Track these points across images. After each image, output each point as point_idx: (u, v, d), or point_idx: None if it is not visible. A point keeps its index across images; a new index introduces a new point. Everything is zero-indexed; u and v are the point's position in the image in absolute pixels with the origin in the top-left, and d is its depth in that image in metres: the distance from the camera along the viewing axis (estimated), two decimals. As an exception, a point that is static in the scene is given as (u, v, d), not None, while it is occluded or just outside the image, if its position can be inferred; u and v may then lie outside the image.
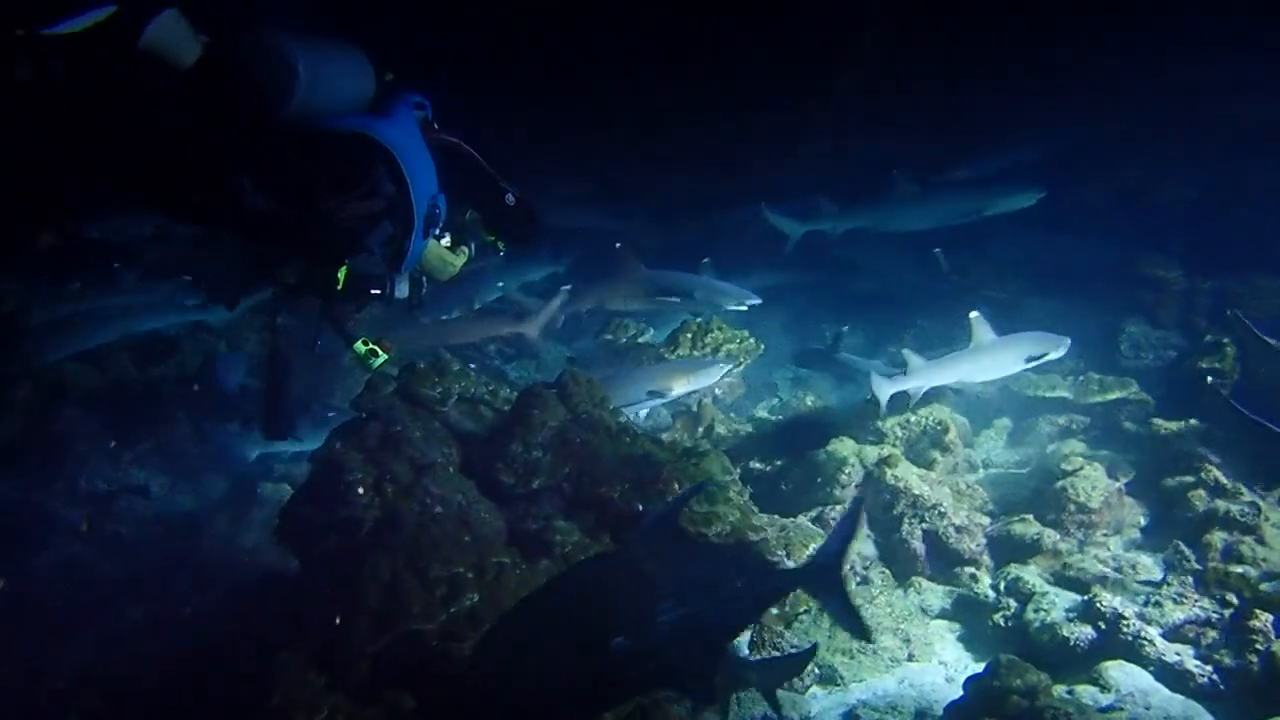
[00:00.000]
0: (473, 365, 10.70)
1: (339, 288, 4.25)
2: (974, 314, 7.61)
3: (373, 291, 4.38)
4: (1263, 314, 8.54)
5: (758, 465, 7.44)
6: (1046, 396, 8.30)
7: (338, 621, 4.61)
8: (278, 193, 3.78)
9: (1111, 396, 8.08)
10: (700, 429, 8.01)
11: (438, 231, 4.56)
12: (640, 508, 5.38)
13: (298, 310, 4.85)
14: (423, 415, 5.78)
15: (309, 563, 5.14)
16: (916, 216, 10.70)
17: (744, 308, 8.68)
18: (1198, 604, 5.35)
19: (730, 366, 7.96)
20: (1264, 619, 4.95)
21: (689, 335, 8.79)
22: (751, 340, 8.84)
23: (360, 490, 5.08)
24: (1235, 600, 5.28)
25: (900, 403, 7.37)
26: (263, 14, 3.81)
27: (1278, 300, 9.16)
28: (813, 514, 6.71)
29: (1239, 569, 5.58)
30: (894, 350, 10.28)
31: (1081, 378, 8.33)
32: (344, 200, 3.95)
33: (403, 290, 4.50)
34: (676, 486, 5.44)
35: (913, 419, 7.69)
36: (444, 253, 4.64)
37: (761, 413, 8.86)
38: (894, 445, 7.39)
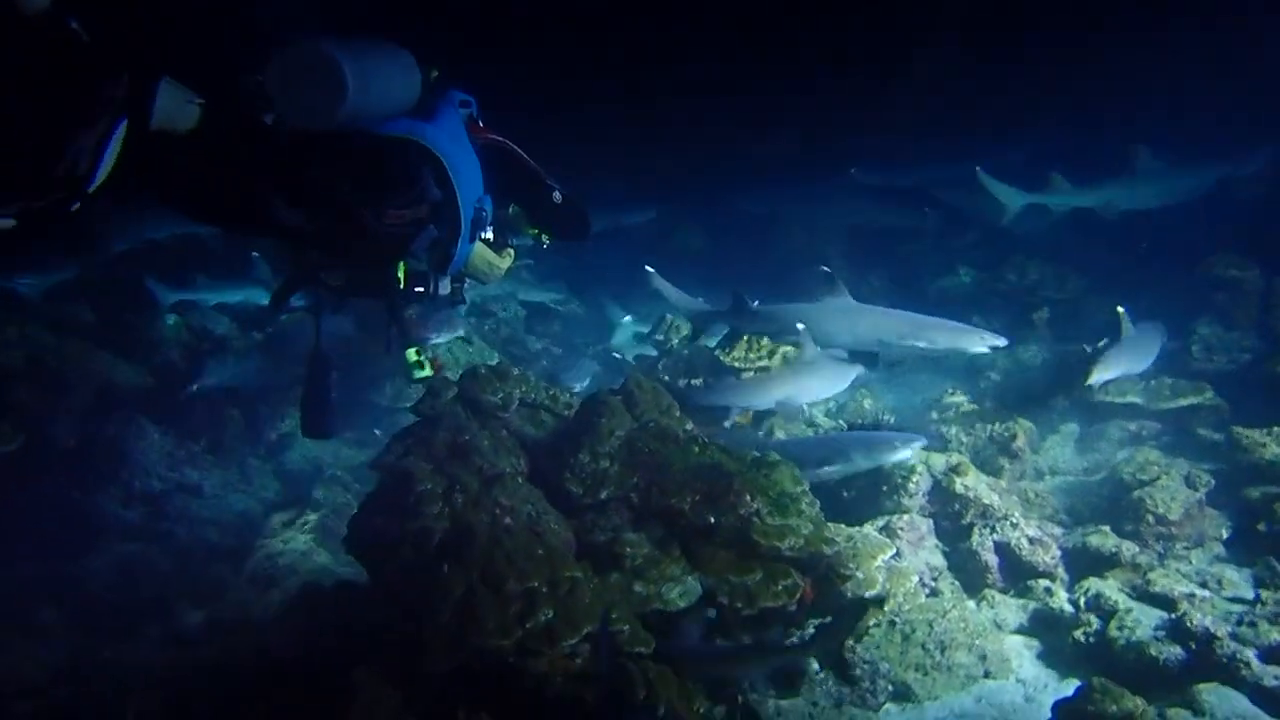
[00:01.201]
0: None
1: (401, 287, 4.18)
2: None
3: (418, 289, 4.30)
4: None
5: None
6: (1115, 402, 8.06)
7: (413, 636, 4.53)
8: (323, 202, 3.64)
9: (1185, 402, 7.84)
10: (759, 431, 7.86)
11: (485, 233, 4.51)
12: (712, 520, 5.25)
13: (342, 311, 4.82)
14: (490, 423, 5.67)
15: (380, 575, 5.05)
16: (1156, 193, 10.34)
17: (990, 350, 7.11)
18: (1295, 624, 5.15)
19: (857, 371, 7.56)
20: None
21: (745, 338, 8.63)
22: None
23: (431, 502, 4.98)
24: (1335, 621, 5.08)
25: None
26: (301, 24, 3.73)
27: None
28: (880, 523, 6.55)
29: (1334, 586, 5.37)
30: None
31: (1152, 382, 8.08)
32: (389, 207, 3.85)
33: (445, 287, 4.43)
34: (749, 499, 5.31)
35: (978, 425, 7.52)
36: (490, 255, 4.56)
37: (819, 415, 8.70)
38: (961, 452, 7.22)
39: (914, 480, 6.69)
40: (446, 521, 4.97)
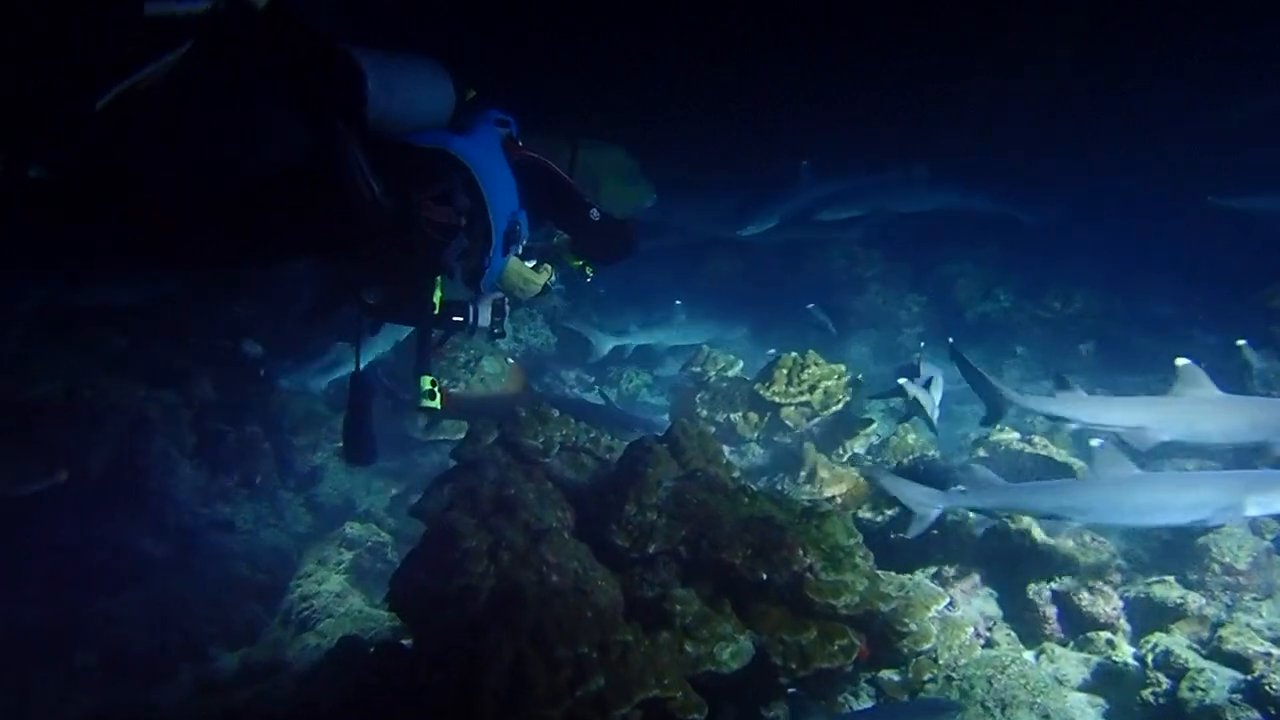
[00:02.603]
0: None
1: (436, 312, 4.18)
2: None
3: (456, 319, 4.31)
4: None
5: (866, 514, 7.05)
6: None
7: (456, 701, 4.37)
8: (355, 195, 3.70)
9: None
10: (802, 474, 7.65)
11: (519, 251, 4.52)
12: (764, 576, 5.07)
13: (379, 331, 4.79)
14: (534, 474, 5.52)
15: (422, 633, 4.91)
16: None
17: None
18: (1379, 690, 4.90)
19: None
20: None
21: (784, 371, 8.45)
22: (849, 376, 8.48)
23: (476, 559, 4.83)
24: None
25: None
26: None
27: None
28: (931, 570, 6.33)
29: None
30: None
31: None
32: (420, 202, 3.87)
33: (485, 318, 4.45)
34: (801, 553, 5.12)
35: (1030, 465, 7.29)
36: (525, 270, 4.59)
37: (861, 452, 8.48)
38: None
39: (966, 525, 6.46)
40: (493, 580, 4.83)
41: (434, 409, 4.42)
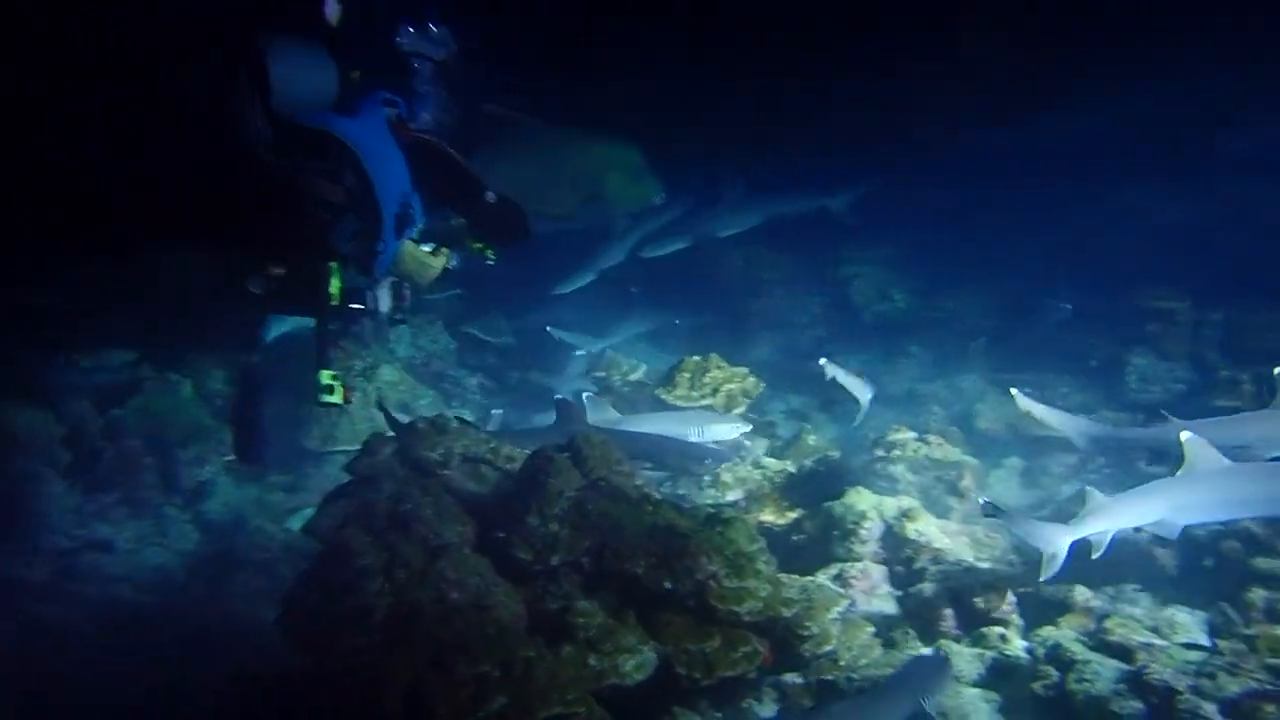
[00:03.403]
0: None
1: (334, 302, 4.10)
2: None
3: (355, 305, 4.26)
4: (1275, 346, 8.50)
5: (769, 518, 7.12)
6: (1057, 435, 8.06)
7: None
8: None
9: (1125, 435, 7.87)
10: (706, 479, 7.65)
11: (415, 236, 4.46)
12: (668, 585, 5.04)
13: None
14: (433, 487, 5.38)
15: (318, 658, 4.72)
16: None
17: None
18: (1253, 675, 5.11)
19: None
20: (1332, 697, 4.74)
21: (686, 374, 8.46)
22: (752, 379, 8.54)
23: (371, 578, 4.68)
24: (1292, 670, 5.05)
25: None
26: None
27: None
28: (832, 571, 6.40)
29: (1285, 631, 5.38)
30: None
31: (1094, 415, 8.12)
32: (307, 177, 3.87)
33: (385, 303, 4.40)
34: (705, 560, 5.11)
35: (926, 463, 7.45)
36: (421, 254, 4.53)
37: (766, 457, 8.54)
38: (909, 493, 7.13)
39: (866, 526, 6.56)
40: (389, 599, 4.69)
41: (335, 404, 4.29)
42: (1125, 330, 9.63)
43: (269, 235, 3.96)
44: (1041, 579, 5.66)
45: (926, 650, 6.03)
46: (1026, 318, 10.66)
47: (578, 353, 11.07)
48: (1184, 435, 5.93)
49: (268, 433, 4.51)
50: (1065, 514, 6.96)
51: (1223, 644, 5.32)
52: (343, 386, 4.31)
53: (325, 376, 4.22)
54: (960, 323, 10.80)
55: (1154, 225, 10.56)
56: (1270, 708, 4.94)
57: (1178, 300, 9.50)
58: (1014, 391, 6.94)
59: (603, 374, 9.12)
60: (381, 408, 7.55)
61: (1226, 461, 5.78)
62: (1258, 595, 5.86)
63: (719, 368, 8.46)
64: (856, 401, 7.36)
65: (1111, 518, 5.71)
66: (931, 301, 11.19)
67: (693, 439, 7.42)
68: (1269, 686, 5.01)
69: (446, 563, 4.81)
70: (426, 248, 4.64)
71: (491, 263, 5.07)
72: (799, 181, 11.77)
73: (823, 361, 7.38)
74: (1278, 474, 5.71)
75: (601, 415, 7.69)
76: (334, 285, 4.08)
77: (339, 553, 4.85)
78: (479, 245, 4.93)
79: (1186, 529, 5.71)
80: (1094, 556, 5.67)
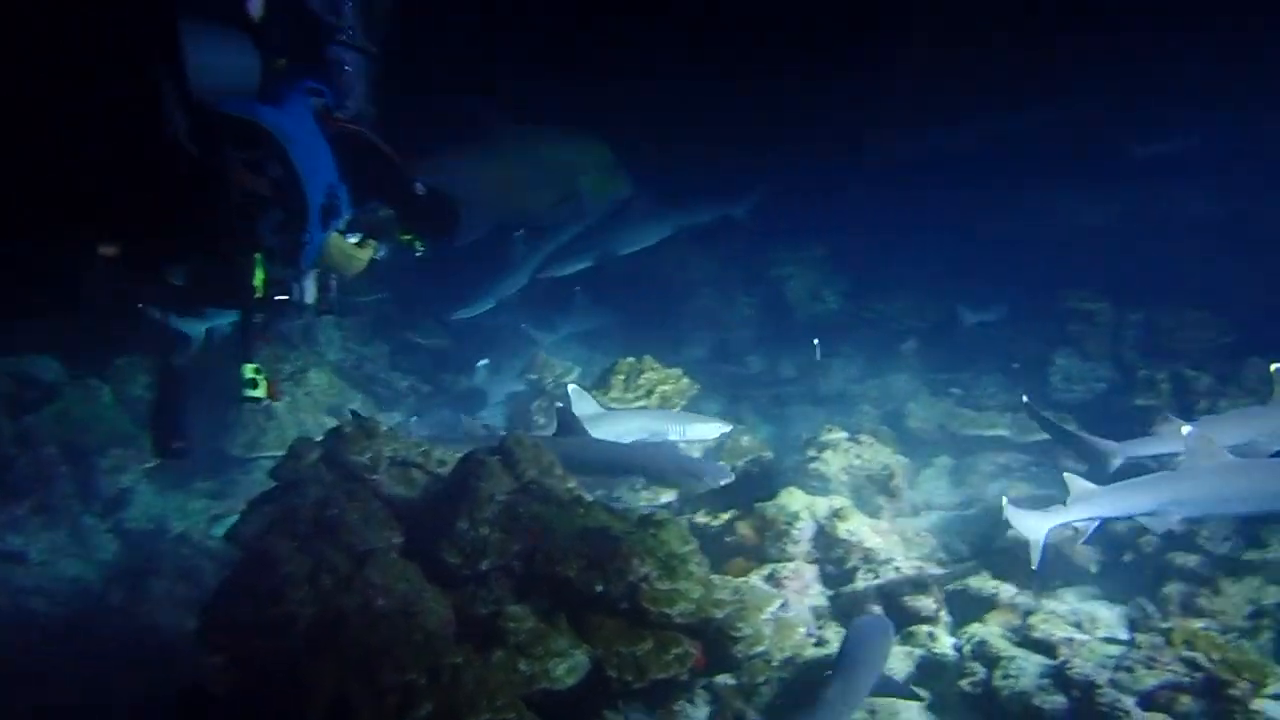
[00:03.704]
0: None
1: (258, 294, 3.93)
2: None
3: (280, 297, 4.09)
4: (1191, 346, 8.78)
5: (703, 519, 7.12)
6: (986, 434, 8.24)
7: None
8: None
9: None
10: (639, 481, 7.63)
11: (342, 227, 4.36)
12: (600, 588, 5.01)
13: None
14: (360, 492, 5.28)
15: (239, 669, 4.60)
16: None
17: None
18: (1168, 667, 5.25)
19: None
20: (1242, 686, 4.88)
21: (621, 376, 8.44)
22: (685, 380, 8.55)
23: (295, 585, 4.57)
24: (1204, 661, 5.18)
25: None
26: None
27: (1203, 332, 9.39)
28: (765, 572, 6.44)
29: (1199, 624, 5.53)
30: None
31: (1019, 414, 8.28)
32: (230, 166, 3.69)
33: (311, 294, 4.29)
34: (637, 563, 5.09)
35: (857, 462, 7.52)
36: (347, 247, 4.43)
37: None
38: (841, 492, 7.20)
39: (799, 527, 6.60)
40: (313, 607, 4.59)
41: (259, 399, 4.16)
42: (1051, 331, 9.86)
43: (190, 228, 3.83)
44: (1033, 566, 5.81)
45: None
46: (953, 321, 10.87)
47: (479, 363, 10.96)
48: (1185, 430, 6.05)
49: (188, 426, 4.35)
50: (992, 513, 7.12)
51: (1141, 638, 5.45)
52: (267, 381, 4.13)
53: (249, 370, 4.06)
54: (891, 323, 10.95)
55: (1077, 228, 10.85)
56: (1185, 698, 5.09)
57: (1099, 302, 9.77)
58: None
59: (535, 376, 9.05)
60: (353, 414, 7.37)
61: (1228, 457, 5.88)
62: (1174, 590, 6.04)
63: (653, 369, 8.46)
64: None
65: (1096, 508, 5.87)
66: (862, 302, 11.34)
67: (674, 438, 7.49)
68: (1184, 678, 5.15)
69: (373, 569, 4.72)
70: (353, 239, 4.55)
71: (420, 254, 4.98)
72: (703, 191, 11.75)
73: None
74: (1275, 470, 5.85)
75: (585, 407, 7.68)
76: (258, 277, 3.95)
77: (262, 560, 4.74)
78: (408, 236, 4.84)
79: (1184, 521, 5.84)
80: (1079, 544, 5.97)
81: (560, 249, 11.40)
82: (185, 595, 7.19)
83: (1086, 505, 5.92)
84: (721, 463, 7.21)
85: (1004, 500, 6.08)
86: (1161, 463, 6.67)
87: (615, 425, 7.39)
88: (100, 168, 3.36)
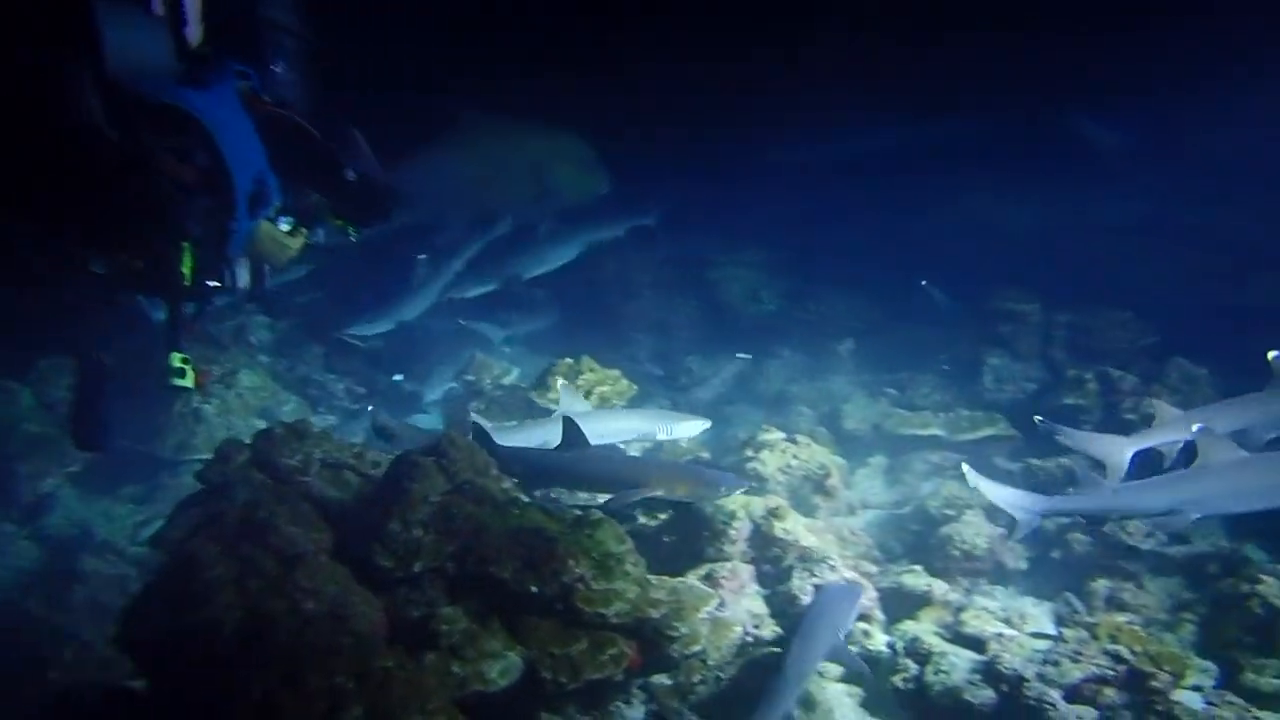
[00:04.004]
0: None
1: (186, 283, 3.87)
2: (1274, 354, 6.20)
3: (211, 284, 4.04)
4: (1116, 347, 9.00)
5: (640, 520, 7.11)
6: (920, 434, 8.35)
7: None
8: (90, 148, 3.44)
9: (982, 433, 8.22)
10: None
11: (272, 213, 4.29)
12: (534, 589, 4.97)
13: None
14: (289, 495, 5.17)
15: (161, 675, 4.48)
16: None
17: None
18: (1094, 660, 5.36)
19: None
20: (1163, 678, 5.01)
21: (559, 377, 8.40)
22: (625, 381, 8.54)
23: (221, 589, 4.46)
24: (1127, 655, 5.30)
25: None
26: None
27: (1128, 333, 9.64)
28: (702, 572, 6.43)
29: (1123, 618, 5.67)
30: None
31: (952, 414, 8.43)
32: (156, 155, 3.63)
33: (243, 279, 4.22)
34: (572, 563, 5.06)
35: (794, 463, 7.57)
36: (277, 234, 4.34)
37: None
38: (777, 492, 7.24)
39: (735, 526, 6.62)
40: (240, 612, 4.47)
41: (185, 388, 4.06)
42: (983, 331, 10.03)
43: (113, 217, 3.71)
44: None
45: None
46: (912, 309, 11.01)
47: (394, 378, 10.84)
48: (1195, 427, 6.06)
49: (110, 417, 4.23)
50: (925, 511, 7.23)
51: (1068, 632, 5.55)
52: (195, 370, 4.08)
53: (176, 359, 4.01)
54: (828, 325, 11.07)
55: (1008, 231, 11.07)
56: (1109, 690, 5.21)
57: (1029, 302, 9.98)
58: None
59: (473, 378, 8.97)
60: (377, 424, 7.16)
61: (1241, 453, 5.87)
62: (1099, 585, 6.17)
63: (592, 370, 8.43)
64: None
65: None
66: (800, 304, 11.45)
67: (662, 436, 7.50)
68: (1108, 671, 5.26)
69: (302, 572, 4.63)
70: (284, 226, 4.45)
71: (354, 240, 4.90)
72: (612, 203, 11.51)
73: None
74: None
75: (572, 403, 7.66)
76: (186, 265, 3.85)
77: (186, 564, 4.61)
78: (340, 222, 4.75)
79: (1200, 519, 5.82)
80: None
81: (466, 272, 11.16)
82: (108, 603, 6.98)
83: (1088, 498, 5.96)
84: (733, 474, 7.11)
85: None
86: (1170, 450, 6.69)
87: (602, 425, 7.33)
88: (5, 153, 3.24)
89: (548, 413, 8.09)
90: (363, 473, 5.99)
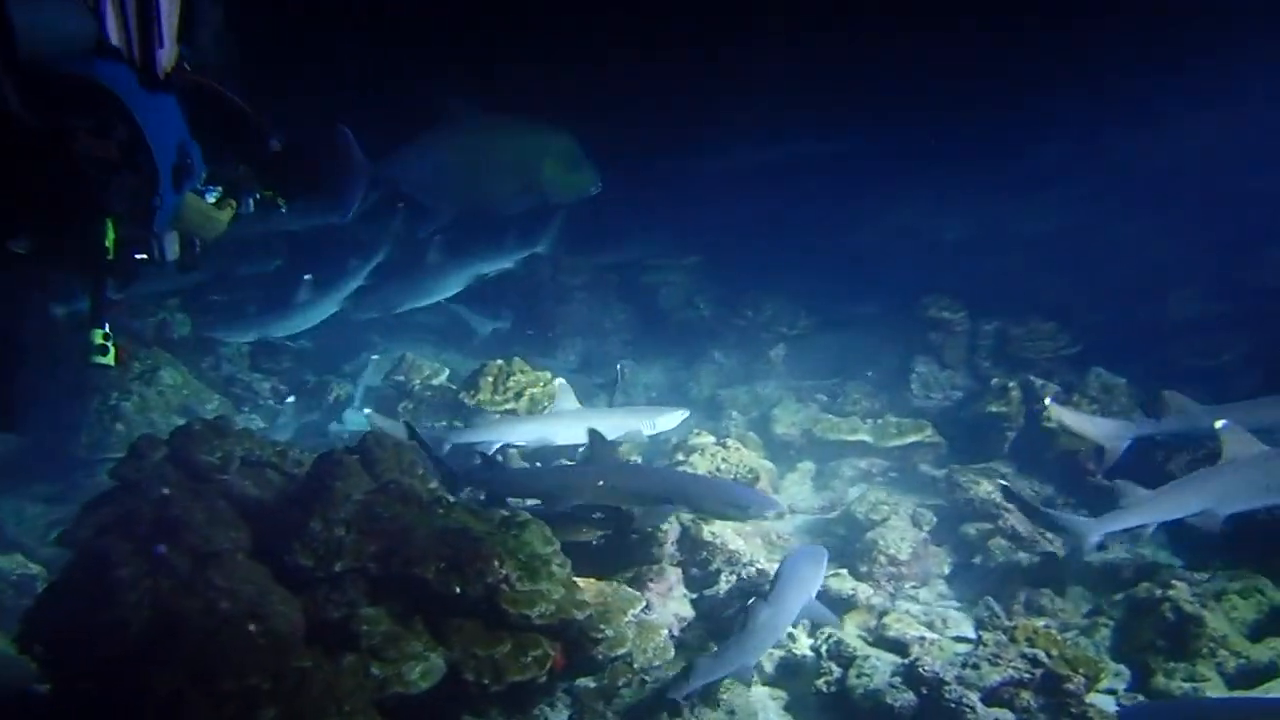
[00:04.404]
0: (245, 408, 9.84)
1: (109, 257, 3.67)
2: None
3: (138, 256, 3.86)
4: (1038, 354, 9.21)
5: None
6: (848, 440, 8.45)
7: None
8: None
9: (909, 440, 8.35)
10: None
11: (199, 185, 4.18)
12: (459, 589, 4.91)
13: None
14: (207, 493, 5.03)
15: (63, 677, 4.32)
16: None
17: None
18: (1011, 664, 5.46)
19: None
20: (1077, 681, 5.12)
21: (490, 379, 8.32)
22: (556, 383, 8.49)
23: (130, 588, 4.32)
24: (1044, 658, 5.41)
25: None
26: None
27: (1051, 342, 9.89)
28: (630, 574, 6.42)
29: (1041, 623, 5.79)
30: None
31: (880, 420, 8.54)
32: (74, 134, 3.42)
33: (172, 250, 4.07)
34: (497, 564, 5.00)
35: (723, 467, 7.60)
36: (204, 207, 4.22)
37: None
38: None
39: (663, 530, 6.62)
40: (149, 611, 4.33)
41: (106, 365, 3.91)
42: (912, 339, 10.21)
43: (32, 201, 3.56)
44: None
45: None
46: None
47: (374, 356, 10.66)
48: (1219, 424, 6.16)
49: (24, 394, 4.06)
50: (852, 515, 7.31)
51: (986, 636, 5.65)
52: (116, 347, 3.86)
53: (98, 336, 3.80)
54: (760, 331, 11.15)
55: (935, 242, 11.29)
56: (1026, 693, 5.30)
57: (956, 311, 10.18)
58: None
59: (402, 378, 8.85)
60: (409, 427, 6.85)
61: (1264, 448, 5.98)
62: (1019, 591, 6.29)
63: (522, 371, 8.37)
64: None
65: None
66: (734, 310, 11.51)
67: (647, 432, 7.59)
68: (1025, 674, 5.36)
69: (216, 571, 4.50)
70: (211, 198, 4.32)
71: (283, 209, 4.78)
72: (501, 234, 11.01)
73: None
74: None
75: (565, 401, 7.75)
76: (108, 238, 3.70)
77: (94, 563, 4.45)
78: (269, 193, 4.62)
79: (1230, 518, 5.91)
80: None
81: (351, 297, 10.83)
82: (14, 605, 6.72)
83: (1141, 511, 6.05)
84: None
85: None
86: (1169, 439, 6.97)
87: (588, 422, 7.27)
88: None
89: (478, 413, 8.04)
90: (285, 471, 5.87)
